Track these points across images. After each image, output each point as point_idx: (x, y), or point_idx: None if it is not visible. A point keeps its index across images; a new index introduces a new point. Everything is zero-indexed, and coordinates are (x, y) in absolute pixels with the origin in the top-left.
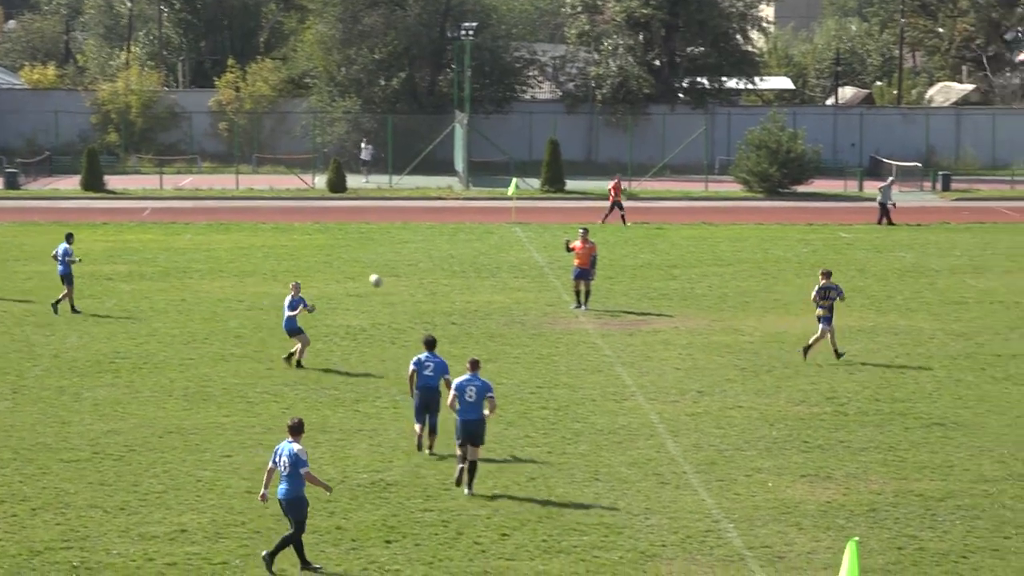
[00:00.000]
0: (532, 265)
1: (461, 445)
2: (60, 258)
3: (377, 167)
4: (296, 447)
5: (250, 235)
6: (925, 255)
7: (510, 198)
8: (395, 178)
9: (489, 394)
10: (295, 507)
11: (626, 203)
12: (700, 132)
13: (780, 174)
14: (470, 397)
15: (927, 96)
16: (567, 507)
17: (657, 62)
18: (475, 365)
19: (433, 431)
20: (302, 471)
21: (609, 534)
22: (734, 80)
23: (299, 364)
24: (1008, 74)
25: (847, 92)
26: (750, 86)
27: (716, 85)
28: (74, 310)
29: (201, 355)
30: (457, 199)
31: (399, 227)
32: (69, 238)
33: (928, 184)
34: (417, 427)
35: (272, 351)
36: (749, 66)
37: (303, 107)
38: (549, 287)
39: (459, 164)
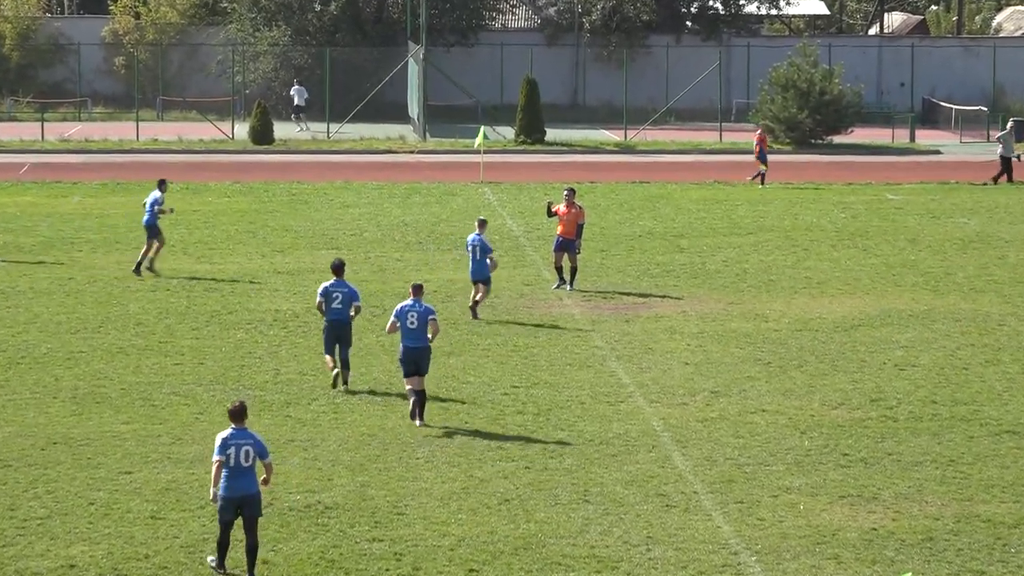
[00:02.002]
0: (505, 235)
1: (407, 376)
2: (148, 207)
3: (312, 112)
4: (256, 434)
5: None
6: (993, 222)
7: (477, 151)
8: (334, 126)
9: (431, 317)
10: (257, 504)
11: (620, 157)
12: (712, 69)
13: (812, 121)
14: (412, 324)
15: (994, 23)
16: (550, 536)
17: None
18: (417, 290)
19: (345, 366)
20: (265, 462)
21: (602, 569)
22: (755, 4)
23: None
24: None
25: (895, 19)
26: (774, 11)
27: (732, 10)
28: (150, 268)
29: (93, 347)
30: (411, 152)
31: (339, 187)
32: (161, 185)
33: (996, 133)
34: (328, 359)
35: (182, 342)
36: None
37: (220, 38)
38: (526, 262)
39: (413, 109)
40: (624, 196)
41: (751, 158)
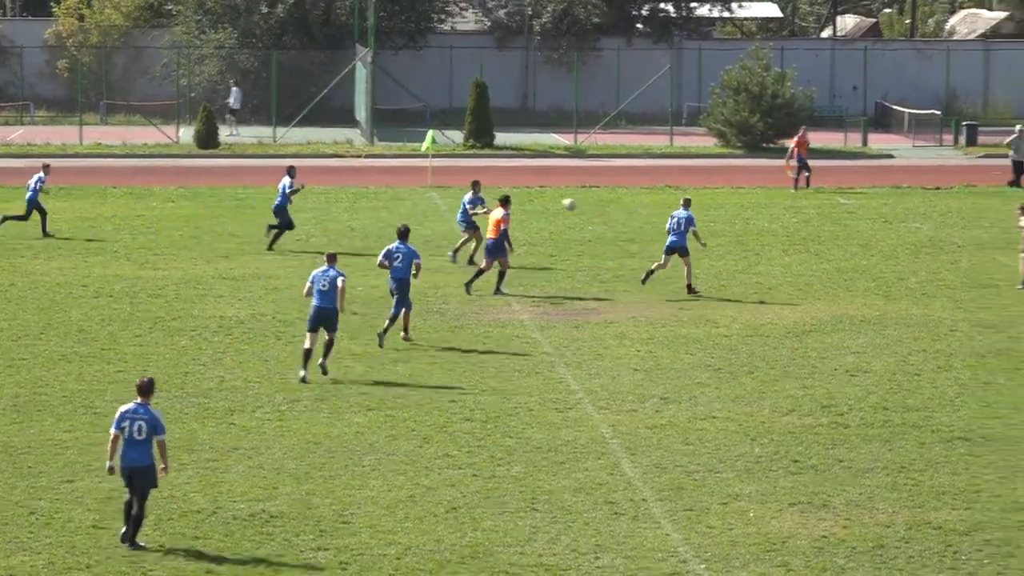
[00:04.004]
0: (454, 239)
1: (312, 331)
2: (281, 191)
3: (259, 116)
4: (154, 411)
5: (97, 202)
6: (945, 226)
7: (425, 155)
8: (280, 130)
9: (340, 280)
10: (148, 476)
11: (570, 161)
12: (664, 72)
13: (764, 125)
14: (323, 287)
15: (947, 27)
16: (497, 544)
17: None
18: (331, 259)
19: (393, 320)
20: (157, 439)
21: None
22: (706, 6)
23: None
24: None
25: (848, 22)
26: (726, 14)
27: (684, 13)
28: (270, 247)
29: (35, 354)
30: (359, 156)
31: None
32: (291, 171)
33: (949, 137)
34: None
35: (126, 349)
36: None
37: (165, 41)
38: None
39: (361, 112)
40: (574, 200)
41: (708, 162)
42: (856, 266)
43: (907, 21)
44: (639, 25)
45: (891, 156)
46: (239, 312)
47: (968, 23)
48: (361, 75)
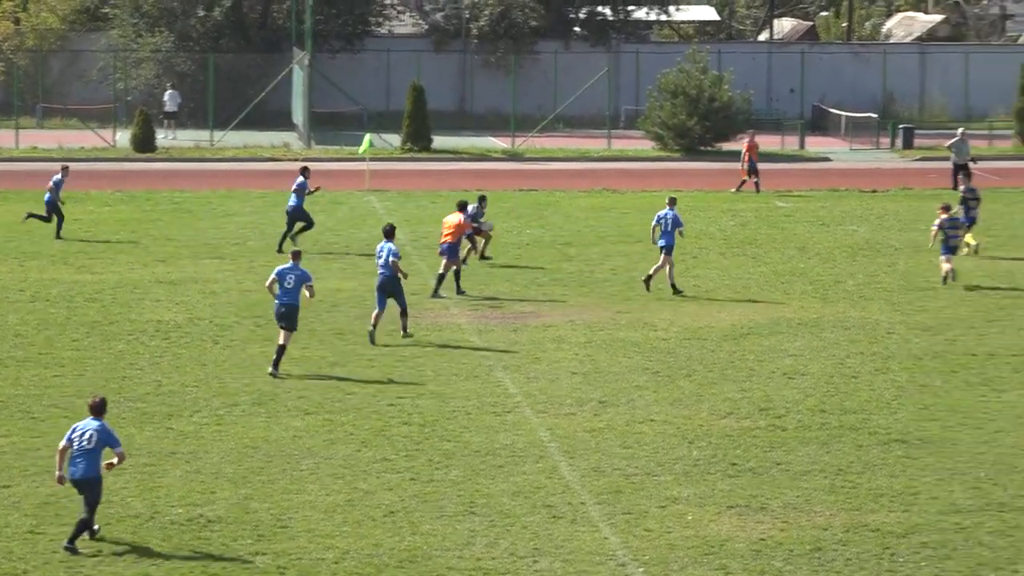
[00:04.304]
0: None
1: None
2: (297, 191)
3: (196, 119)
4: (103, 423)
5: (33, 206)
6: (882, 229)
7: (363, 159)
8: (217, 134)
9: (307, 284)
10: (94, 488)
11: (508, 165)
12: (601, 75)
13: (701, 128)
14: (288, 284)
15: (884, 29)
16: (435, 548)
17: None
18: (296, 256)
19: (404, 313)
20: (117, 450)
21: None
22: (644, 9)
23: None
24: (985, 1)
25: (785, 25)
26: (664, 17)
27: (621, 16)
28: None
29: None
30: (296, 160)
31: (222, 196)
32: (305, 172)
33: (886, 140)
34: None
35: (63, 353)
36: None
37: (101, 44)
38: (413, 271)
39: (298, 116)
40: (512, 204)
41: (645, 166)
42: (793, 269)
43: (844, 24)
44: (576, 28)
45: (828, 159)
46: (176, 316)
47: (904, 26)
48: (298, 78)
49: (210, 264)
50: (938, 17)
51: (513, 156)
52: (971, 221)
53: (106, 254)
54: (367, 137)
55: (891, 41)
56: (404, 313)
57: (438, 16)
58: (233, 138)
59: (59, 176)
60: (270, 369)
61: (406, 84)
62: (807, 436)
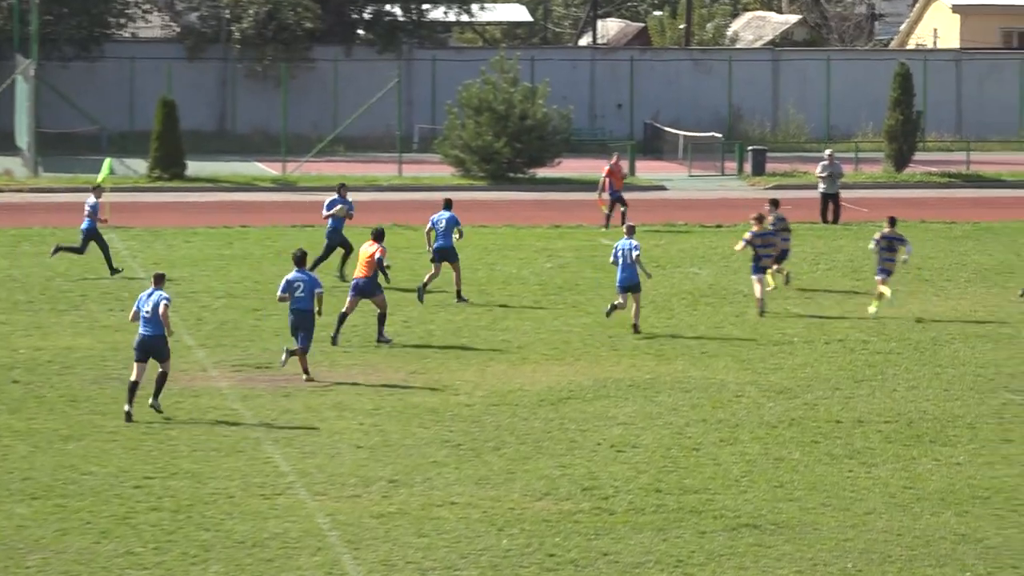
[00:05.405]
0: (138, 290)
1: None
2: (327, 209)
3: None
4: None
5: None
6: (728, 272)
7: (102, 188)
8: None
9: (164, 304)
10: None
11: (278, 196)
12: (391, 87)
13: (511, 151)
14: (147, 313)
15: (730, 32)
16: None
17: None
18: (158, 280)
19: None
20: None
21: None
22: (441, 8)
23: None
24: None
25: (611, 27)
26: (465, 17)
27: (414, 16)
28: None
29: None
30: (20, 190)
31: None
32: (341, 189)
33: (732, 164)
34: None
35: None
36: None
37: None
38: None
39: (22, 137)
40: (283, 243)
41: (444, 196)
42: (622, 320)
43: (681, 26)
44: (360, 31)
45: (663, 187)
46: None
47: (754, 28)
48: (22, 92)
49: None
50: (794, 18)
51: (284, 185)
52: (784, 253)
53: None
54: (107, 163)
55: (738, 46)
56: (299, 352)
57: (193, 17)
58: None
59: (92, 198)
60: (149, 405)
61: (154, 99)
62: (640, 521)
